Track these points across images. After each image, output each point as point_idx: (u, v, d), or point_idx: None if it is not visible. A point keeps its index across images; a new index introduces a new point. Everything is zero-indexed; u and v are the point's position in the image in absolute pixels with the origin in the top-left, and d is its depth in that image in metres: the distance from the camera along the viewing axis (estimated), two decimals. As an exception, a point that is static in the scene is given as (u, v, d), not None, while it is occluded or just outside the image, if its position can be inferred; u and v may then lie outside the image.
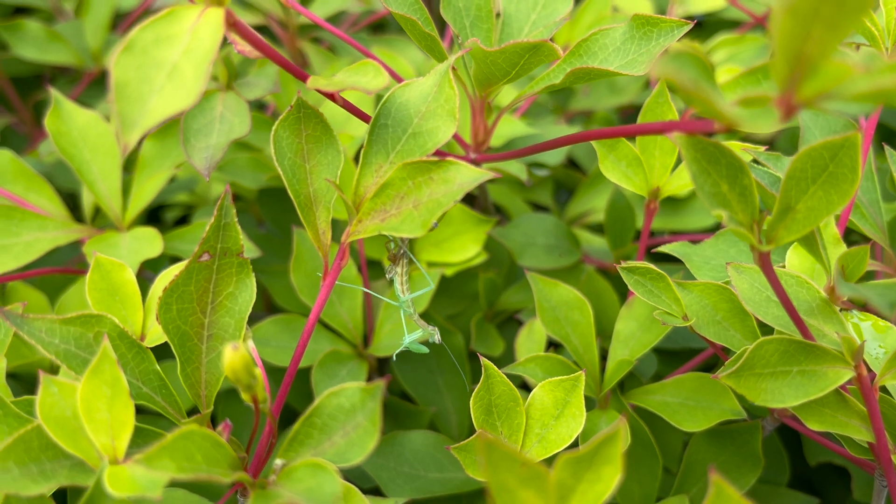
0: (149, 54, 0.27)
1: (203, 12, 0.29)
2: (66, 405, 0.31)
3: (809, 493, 0.51)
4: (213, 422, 0.36)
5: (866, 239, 0.50)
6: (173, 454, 0.28)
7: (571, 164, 0.70)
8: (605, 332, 0.51)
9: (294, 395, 0.54)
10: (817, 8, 0.23)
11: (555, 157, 0.61)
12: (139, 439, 0.32)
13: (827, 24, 0.23)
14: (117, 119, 0.26)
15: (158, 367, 0.35)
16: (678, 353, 0.54)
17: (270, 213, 0.60)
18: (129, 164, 0.57)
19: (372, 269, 0.57)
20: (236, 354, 0.29)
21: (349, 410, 0.31)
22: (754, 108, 0.26)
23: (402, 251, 0.43)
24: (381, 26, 0.79)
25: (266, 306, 0.61)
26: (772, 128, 0.24)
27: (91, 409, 0.30)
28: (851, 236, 0.53)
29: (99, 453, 0.30)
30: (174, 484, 0.41)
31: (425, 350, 0.45)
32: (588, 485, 0.27)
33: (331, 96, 0.37)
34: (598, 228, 0.64)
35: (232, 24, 0.31)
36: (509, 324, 0.58)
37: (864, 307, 0.40)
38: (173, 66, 0.27)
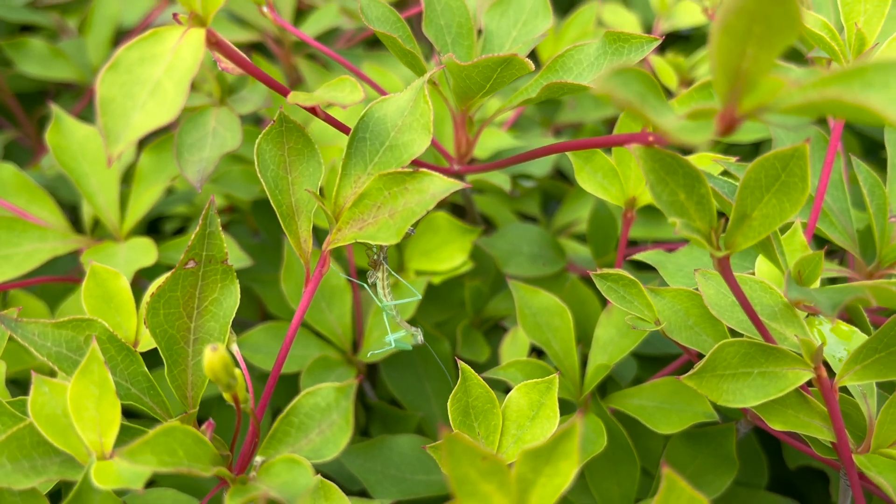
0: (133, 72, 0.29)
1: (185, 32, 0.31)
2: (56, 404, 0.32)
3: (791, 496, 0.52)
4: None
5: (841, 249, 0.51)
6: (155, 449, 0.29)
7: (560, 175, 0.72)
8: (588, 339, 0.52)
9: (284, 400, 0.55)
10: (749, 28, 0.24)
11: (541, 168, 0.63)
12: (126, 437, 0.34)
13: (760, 43, 0.25)
14: (102, 133, 0.28)
15: (147, 370, 0.37)
16: (658, 359, 0.55)
17: (264, 223, 0.61)
18: (128, 177, 0.59)
19: (362, 277, 0.58)
20: (215, 355, 0.30)
21: (325, 409, 0.33)
22: (701, 120, 0.28)
23: (380, 257, 0.45)
24: (376, 42, 0.81)
25: (260, 315, 0.62)
26: (708, 139, 0.25)
27: (80, 407, 0.32)
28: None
29: (87, 449, 0.32)
30: (164, 483, 0.43)
31: (408, 347, 0.47)
32: (547, 478, 0.29)
33: (312, 110, 0.38)
34: (584, 238, 0.65)
35: (214, 42, 0.32)
36: (496, 331, 0.59)
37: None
38: (156, 83, 0.29)
